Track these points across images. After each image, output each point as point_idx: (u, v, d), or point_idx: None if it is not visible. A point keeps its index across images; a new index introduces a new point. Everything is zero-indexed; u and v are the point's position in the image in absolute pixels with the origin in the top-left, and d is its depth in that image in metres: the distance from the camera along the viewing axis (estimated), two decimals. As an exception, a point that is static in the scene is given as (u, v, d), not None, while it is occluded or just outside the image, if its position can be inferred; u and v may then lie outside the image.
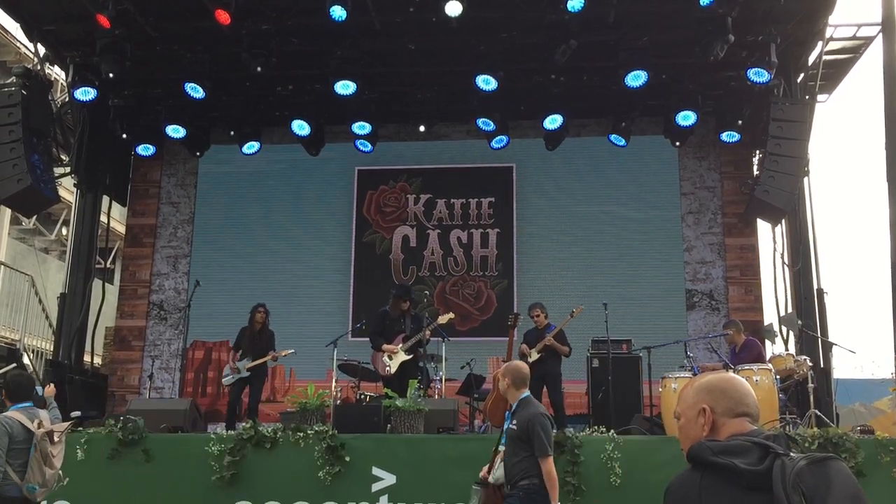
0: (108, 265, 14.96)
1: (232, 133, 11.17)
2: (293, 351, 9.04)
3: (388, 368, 8.37)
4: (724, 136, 10.60)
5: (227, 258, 11.51)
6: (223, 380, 9.17)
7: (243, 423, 6.87)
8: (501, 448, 4.98)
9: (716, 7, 8.42)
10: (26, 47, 13.29)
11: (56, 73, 12.09)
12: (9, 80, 10.51)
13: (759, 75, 9.15)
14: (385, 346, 8.42)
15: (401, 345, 8.42)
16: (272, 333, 9.16)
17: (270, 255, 11.48)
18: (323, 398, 7.29)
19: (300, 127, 10.70)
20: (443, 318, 8.47)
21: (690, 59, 9.53)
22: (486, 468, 5.11)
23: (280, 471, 6.53)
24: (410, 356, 8.37)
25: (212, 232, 11.67)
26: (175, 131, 10.75)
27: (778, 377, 7.41)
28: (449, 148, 11.64)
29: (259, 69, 9.02)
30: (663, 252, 11.04)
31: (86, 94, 9.70)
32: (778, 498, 1.73)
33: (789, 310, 10.07)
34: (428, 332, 8.41)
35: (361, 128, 10.85)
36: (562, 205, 11.35)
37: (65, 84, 11.00)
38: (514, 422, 4.83)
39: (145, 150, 11.18)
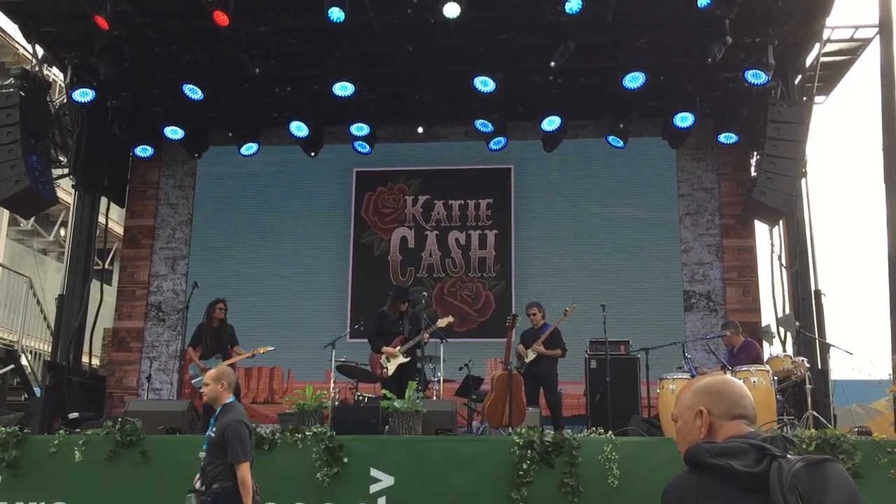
0: (106, 266, 14.94)
1: (230, 134, 11.14)
2: (272, 348, 8.97)
3: (384, 370, 8.37)
4: (722, 138, 10.60)
5: (225, 259, 11.49)
6: (194, 381, 8.73)
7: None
8: (202, 454, 4.96)
9: (714, 8, 8.42)
10: (24, 48, 13.28)
11: (54, 74, 12.06)
12: (7, 82, 10.50)
13: (756, 77, 9.15)
14: (385, 349, 8.42)
15: (399, 347, 8.42)
16: (231, 328, 9.08)
17: (268, 257, 11.47)
18: (321, 399, 7.29)
19: (298, 128, 10.68)
20: (441, 322, 8.47)
21: (688, 61, 9.54)
22: (197, 475, 5.02)
23: (278, 472, 6.52)
24: (408, 358, 8.37)
25: (210, 233, 11.65)
26: (173, 132, 10.73)
27: (775, 378, 7.42)
28: (447, 149, 11.63)
29: (257, 70, 9.00)
30: (661, 253, 11.04)
31: (84, 95, 9.69)
32: (775, 500, 1.74)
33: (787, 311, 10.07)
34: (426, 335, 8.41)
35: (360, 129, 10.84)
36: (560, 206, 11.35)
37: (63, 85, 10.99)
38: (215, 428, 4.86)
39: (143, 151, 11.16)
